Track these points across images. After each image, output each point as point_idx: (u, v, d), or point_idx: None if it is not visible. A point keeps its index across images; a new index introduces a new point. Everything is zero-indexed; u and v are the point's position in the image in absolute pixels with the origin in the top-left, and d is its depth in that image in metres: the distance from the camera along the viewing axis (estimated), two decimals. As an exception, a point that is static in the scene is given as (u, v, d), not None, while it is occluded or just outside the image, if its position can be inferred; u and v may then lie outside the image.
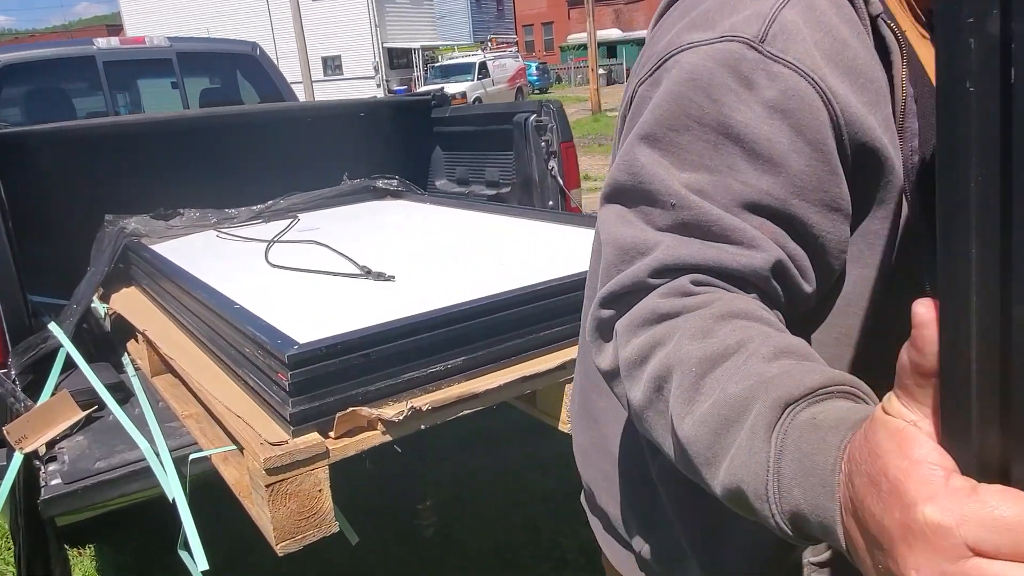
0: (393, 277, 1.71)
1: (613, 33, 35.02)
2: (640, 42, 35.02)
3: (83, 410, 1.68)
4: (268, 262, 2.01)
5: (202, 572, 1.32)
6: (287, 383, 1.14)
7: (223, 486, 1.42)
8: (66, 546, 2.58)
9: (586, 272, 1.47)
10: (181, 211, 2.64)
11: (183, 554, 1.44)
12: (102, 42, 4.22)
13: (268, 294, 1.71)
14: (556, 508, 2.65)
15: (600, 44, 23.66)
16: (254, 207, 2.79)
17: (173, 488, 1.41)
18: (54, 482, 1.44)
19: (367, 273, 1.75)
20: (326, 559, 2.30)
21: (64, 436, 1.61)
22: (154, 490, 1.52)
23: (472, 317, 1.31)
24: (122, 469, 1.48)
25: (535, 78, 29.17)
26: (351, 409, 1.18)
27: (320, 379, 1.17)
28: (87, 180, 2.51)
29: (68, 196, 2.44)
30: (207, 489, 1.48)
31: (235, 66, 4.79)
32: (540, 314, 1.40)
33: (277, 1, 25.35)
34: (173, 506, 1.41)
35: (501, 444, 2.93)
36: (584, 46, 29.53)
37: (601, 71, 23.14)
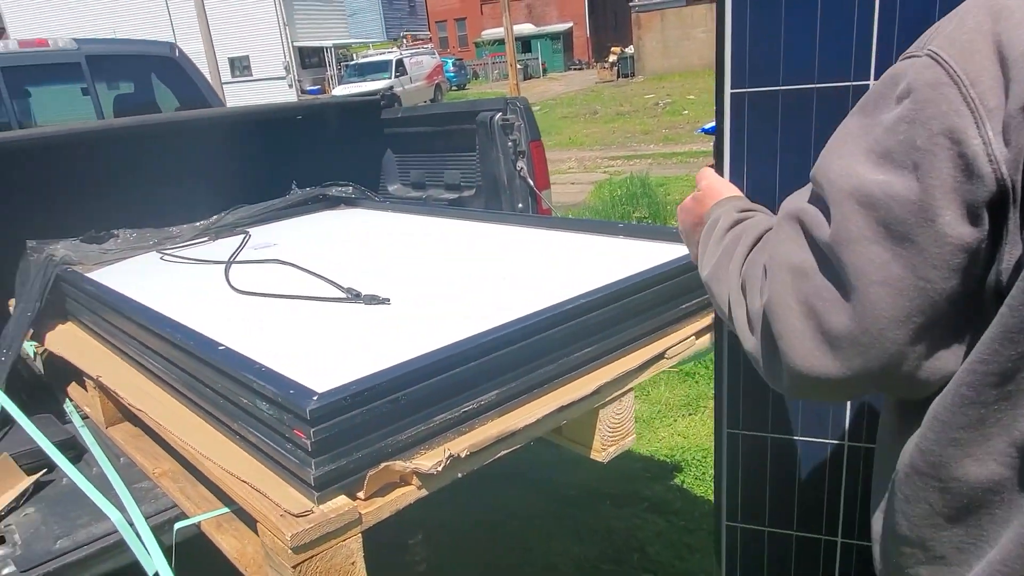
0: (388, 300, 1.53)
1: (527, 28, 35.02)
2: (553, 36, 35.19)
3: (29, 475, 1.44)
4: (232, 287, 1.80)
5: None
6: (309, 441, 0.97)
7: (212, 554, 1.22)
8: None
9: (611, 285, 1.35)
10: (115, 232, 2.37)
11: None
12: (-1, 45, 3.80)
13: (244, 328, 1.50)
14: (543, 524, 2.53)
15: (515, 39, 23.65)
16: (197, 224, 2.54)
17: (157, 565, 1.20)
18: (6, 571, 1.21)
19: (356, 296, 1.57)
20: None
21: (9, 511, 1.37)
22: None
23: (505, 345, 1.16)
24: (90, 547, 1.26)
25: (452, 74, 28.88)
26: (384, 464, 1.02)
27: (345, 433, 1.00)
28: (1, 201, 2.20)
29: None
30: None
31: (150, 69, 4.43)
32: (570, 336, 1.26)
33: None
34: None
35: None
36: (498, 41, 29.43)
37: (518, 66, 23.10)
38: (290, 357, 1.26)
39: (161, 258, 2.25)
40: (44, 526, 1.31)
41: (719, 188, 0.92)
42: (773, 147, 0.80)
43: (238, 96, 22.10)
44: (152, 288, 1.90)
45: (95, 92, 4.09)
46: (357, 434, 1.01)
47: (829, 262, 0.63)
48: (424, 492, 1.06)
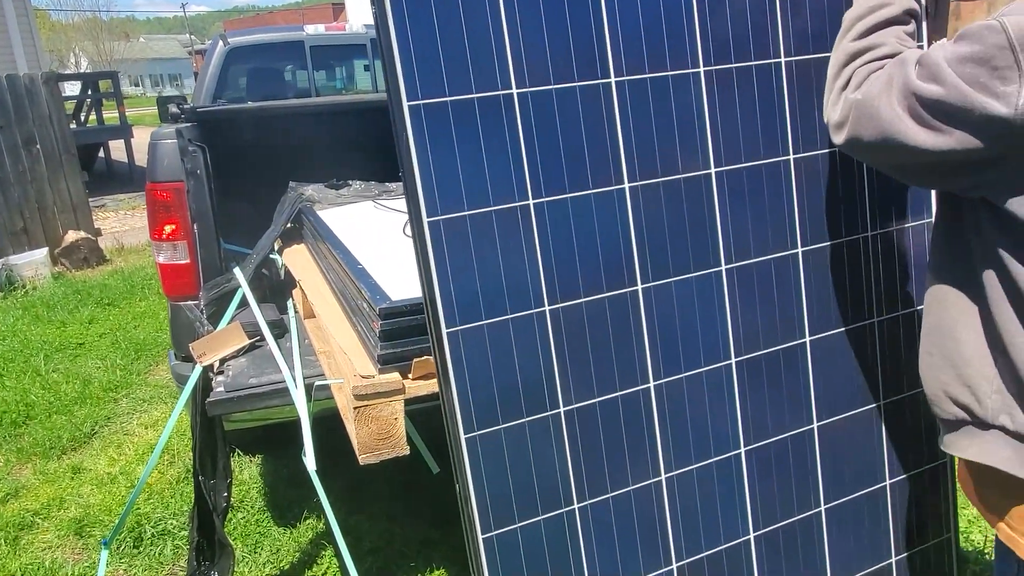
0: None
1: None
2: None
3: (249, 339, 2.12)
4: (404, 233, 2.35)
5: (314, 471, 1.67)
6: (378, 330, 1.44)
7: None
8: (239, 452, 3.15)
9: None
10: (350, 183, 3.07)
11: (305, 460, 1.81)
12: (310, 28, 4.84)
13: (392, 260, 2.02)
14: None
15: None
16: (410, 183, 3.17)
17: (299, 405, 1.77)
18: (218, 389, 1.86)
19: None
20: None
21: (232, 356, 2.05)
22: (295, 413, 1.91)
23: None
24: (268, 387, 1.87)
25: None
26: (426, 357, 1.46)
27: (404, 330, 1.45)
28: (277, 151, 3.00)
29: (262, 163, 2.94)
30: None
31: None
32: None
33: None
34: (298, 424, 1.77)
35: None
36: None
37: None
38: (403, 282, 1.75)
39: (374, 206, 2.89)
40: (247, 369, 1.96)
41: None
42: (468, 255, 1.20)
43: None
44: (354, 225, 2.52)
45: (374, 68, 5.01)
46: (412, 332, 1.46)
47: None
48: (455, 384, 1.48)
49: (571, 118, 1.21)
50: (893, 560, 1.57)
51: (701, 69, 1.27)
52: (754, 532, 1.44)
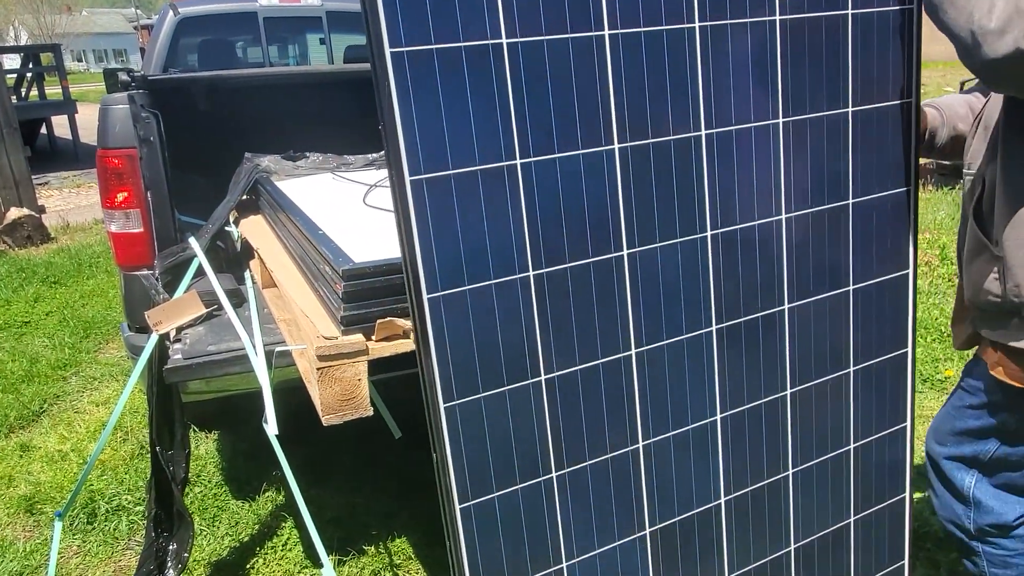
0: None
1: None
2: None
3: (206, 307, 2.09)
4: (364, 203, 2.33)
5: (275, 436, 1.66)
6: (341, 292, 1.44)
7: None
8: (195, 428, 3.10)
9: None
10: (307, 154, 3.03)
11: (266, 426, 1.80)
12: (264, 0, 4.73)
13: (354, 227, 2.01)
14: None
15: None
16: (369, 156, 3.14)
17: (259, 371, 1.76)
18: (176, 356, 1.84)
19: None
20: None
21: (189, 325, 2.02)
22: (253, 383, 1.89)
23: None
24: (227, 354, 1.85)
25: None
26: (389, 318, 1.46)
27: (367, 292, 1.45)
28: (233, 122, 2.94)
29: (217, 134, 2.88)
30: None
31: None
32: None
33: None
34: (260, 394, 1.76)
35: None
36: None
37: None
38: (365, 246, 1.74)
39: (332, 178, 2.86)
40: (205, 337, 1.94)
41: None
42: (452, 218, 1.14)
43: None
44: (313, 195, 2.49)
45: (330, 42, 4.92)
46: (375, 294, 1.46)
47: None
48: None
49: (562, 72, 1.15)
50: (851, 519, 1.61)
51: (696, 25, 1.21)
52: (725, 496, 1.45)
